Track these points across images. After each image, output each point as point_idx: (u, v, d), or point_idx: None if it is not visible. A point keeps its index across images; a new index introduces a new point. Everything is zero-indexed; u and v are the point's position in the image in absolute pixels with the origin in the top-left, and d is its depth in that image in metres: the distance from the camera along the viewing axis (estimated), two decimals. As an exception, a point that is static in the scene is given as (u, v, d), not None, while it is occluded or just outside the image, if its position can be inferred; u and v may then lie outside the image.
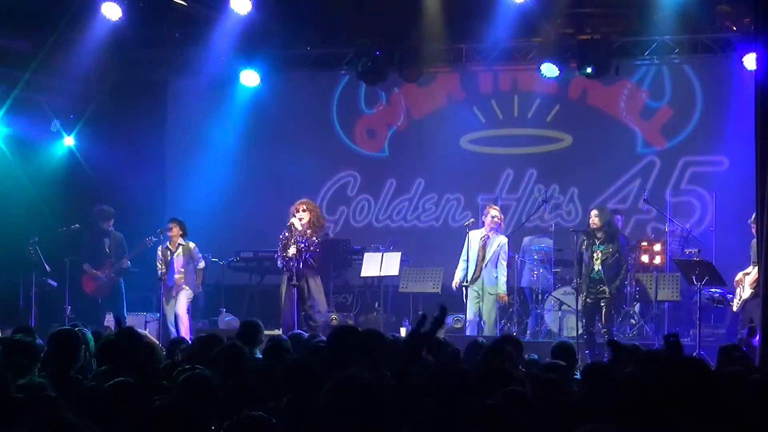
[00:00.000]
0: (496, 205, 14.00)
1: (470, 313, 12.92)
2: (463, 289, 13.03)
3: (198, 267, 13.75)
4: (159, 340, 12.52)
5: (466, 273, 12.95)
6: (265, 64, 16.07)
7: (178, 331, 13.12)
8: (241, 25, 14.99)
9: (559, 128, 15.93)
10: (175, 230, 13.56)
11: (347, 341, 5.79)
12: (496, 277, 12.93)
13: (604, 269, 12.09)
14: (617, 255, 12.18)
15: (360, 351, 5.63)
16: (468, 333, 12.74)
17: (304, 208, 12.70)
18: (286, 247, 12.60)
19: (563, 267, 14.38)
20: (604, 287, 12.11)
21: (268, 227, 15.45)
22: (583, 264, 12.29)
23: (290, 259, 12.50)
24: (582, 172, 15.55)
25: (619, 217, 14.23)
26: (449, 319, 14.22)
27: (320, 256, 12.81)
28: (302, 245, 12.48)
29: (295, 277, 12.51)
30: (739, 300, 12.10)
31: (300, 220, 12.63)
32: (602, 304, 12.13)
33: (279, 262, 12.78)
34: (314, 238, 12.60)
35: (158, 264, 13.49)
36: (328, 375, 4.92)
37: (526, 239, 14.75)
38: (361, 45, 15.39)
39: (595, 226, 12.29)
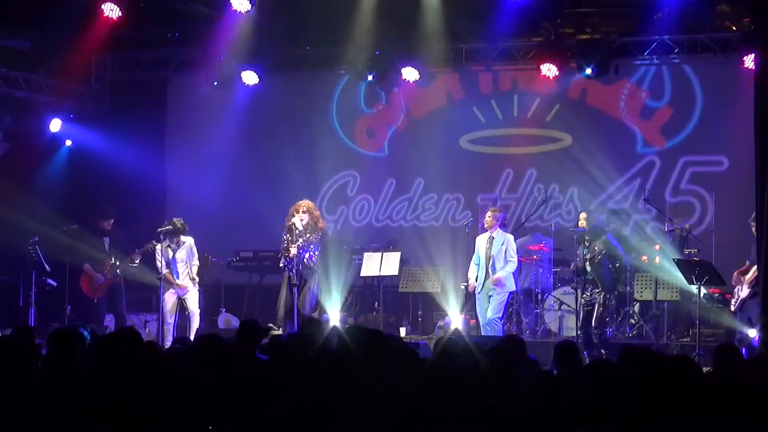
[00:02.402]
0: (496, 205, 14.00)
1: (482, 318, 12.85)
2: (465, 289, 13.05)
3: (192, 263, 13.47)
4: (159, 341, 12.55)
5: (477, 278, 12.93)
6: (265, 64, 16.08)
7: (189, 329, 13.06)
8: (241, 24, 14.99)
9: (559, 128, 15.93)
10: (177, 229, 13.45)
11: (352, 342, 5.80)
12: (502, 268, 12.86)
13: (593, 269, 12.09)
14: (604, 253, 12.13)
15: (364, 351, 5.64)
16: (482, 334, 12.70)
17: (304, 209, 12.76)
18: (288, 248, 12.65)
19: (563, 267, 14.38)
20: (596, 288, 12.11)
21: (267, 227, 15.43)
22: (577, 265, 12.31)
23: (291, 259, 12.54)
24: (582, 172, 15.53)
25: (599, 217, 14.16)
26: (447, 321, 14.21)
27: (319, 258, 12.80)
28: (302, 246, 12.52)
29: (295, 277, 12.55)
30: (737, 299, 12.10)
31: (301, 221, 12.67)
32: (595, 304, 12.12)
33: (281, 261, 12.80)
34: (312, 240, 12.64)
35: (158, 262, 13.38)
36: (330, 375, 4.92)
37: (521, 239, 14.78)
38: (361, 45, 15.39)
39: (583, 228, 12.35)
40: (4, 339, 7.32)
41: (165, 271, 13.33)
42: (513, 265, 12.93)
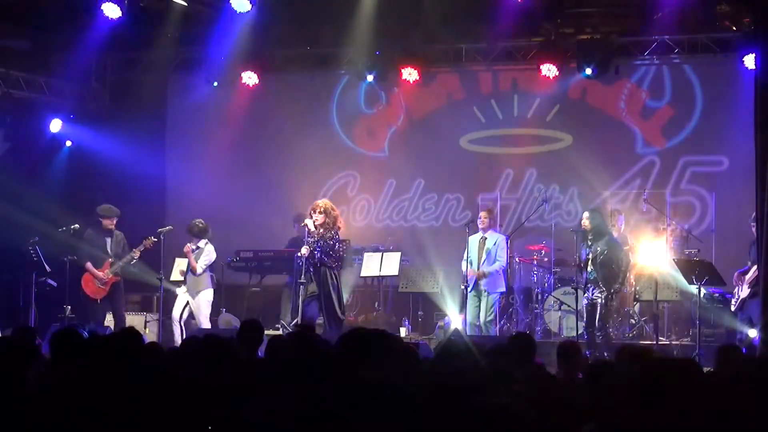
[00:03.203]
0: (496, 205, 14.04)
1: (470, 315, 12.93)
2: (464, 290, 13.06)
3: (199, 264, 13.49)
4: (159, 341, 12.54)
5: (466, 275, 13.00)
6: (265, 64, 16.07)
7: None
8: (241, 24, 15.00)
9: (559, 128, 15.93)
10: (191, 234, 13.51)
11: (356, 342, 5.79)
12: (492, 272, 12.95)
13: (596, 269, 12.08)
14: (606, 253, 12.11)
15: (367, 352, 5.63)
16: (469, 333, 12.74)
17: (320, 209, 12.69)
18: (300, 247, 12.74)
19: (563, 267, 14.38)
20: (599, 287, 12.09)
21: (267, 227, 15.48)
22: (581, 265, 12.30)
23: (301, 258, 12.58)
24: (582, 172, 15.51)
25: (621, 217, 14.21)
26: (447, 321, 14.21)
27: (337, 255, 12.72)
28: (316, 245, 12.52)
29: (303, 276, 12.56)
30: (737, 299, 12.09)
31: (315, 221, 12.65)
32: (597, 305, 12.11)
33: (296, 260, 12.87)
34: (328, 237, 12.59)
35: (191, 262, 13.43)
36: (333, 376, 4.91)
37: (521, 239, 14.80)
38: (361, 45, 15.39)
39: (585, 228, 12.31)
40: (4, 339, 7.31)
41: (182, 268, 13.40)
42: (499, 264, 12.97)
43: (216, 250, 14.83)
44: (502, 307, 13.71)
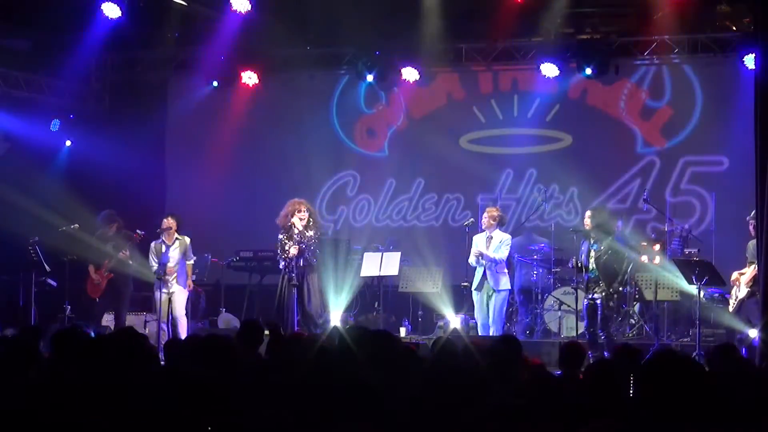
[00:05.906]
0: (496, 205, 14.01)
1: (480, 316, 12.85)
2: (471, 291, 13.01)
3: (188, 263, 13.42)
4: (159, 341, 12.52)
5: (473, 278, 12.93)
6: (265, 64, 16.08)
7: (176, 333, 12.96)
8: (241, 24, 15.00)
9: (559, 128, 15.93)
10: (173, 224, 13.44)
11: (358, 342, 5.80)
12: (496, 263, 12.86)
13: (598, 268, 12.04)
14: (609, 252, 12.07)
15: (369, 351, 5.64)
16: (480, 334, 12.70)
17: (306, 208, 12.73)
18: (284, 248, 12.64)
19: (563, 267, 14.37)
20: (600, 287, 12.05)
21: (268, 227, 15.42)
22: (581, 264, 12.25)
23: (291, 259, 12.53)
24: (582, 172, 15.51)
25: (619, 222, 14.19)
26: (447, 321, 14.21)
27: (320, 255, 12.79)
28: (303, 245, 12.50)
29: (295, 277, 12.53)
30: (735, 300, 12.08)
31: (301, 220, 12.65)
32: (599, 304, 12.09)
33: (281, 264, 12.78)
34: (314, 238, 12.63)
35: (152, 259, 13.33)
36: (330, 375, 4.92)
37: (520, 239, 14.79)
38: (361, 45, 15.39)
39: (587, 227, 12.24)
40: (5, 339, 7.32)
41: (154, 266, 13.33)
42: (501, 256, 12.80)
43: (216, 250, 14.87)
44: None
